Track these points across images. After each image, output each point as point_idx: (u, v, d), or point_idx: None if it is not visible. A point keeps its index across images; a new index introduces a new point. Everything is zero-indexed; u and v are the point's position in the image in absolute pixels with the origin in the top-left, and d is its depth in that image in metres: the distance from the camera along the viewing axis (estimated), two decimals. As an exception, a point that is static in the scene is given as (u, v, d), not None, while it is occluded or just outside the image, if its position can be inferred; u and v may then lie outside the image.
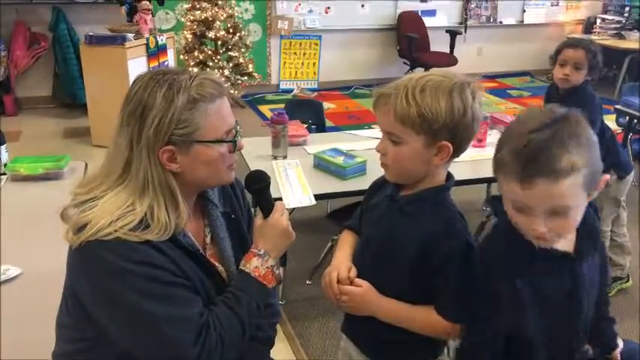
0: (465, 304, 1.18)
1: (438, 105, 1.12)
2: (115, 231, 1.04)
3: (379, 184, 1.38)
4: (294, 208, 2.27)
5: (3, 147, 2.24)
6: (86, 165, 2.39)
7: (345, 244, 1.40)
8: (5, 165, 2.22)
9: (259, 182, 1.27)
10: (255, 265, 1.21)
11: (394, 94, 1.15)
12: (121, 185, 1.10)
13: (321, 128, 3.52)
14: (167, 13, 5.89)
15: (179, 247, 1.12)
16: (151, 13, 4.68)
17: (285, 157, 2.64)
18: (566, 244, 1.11)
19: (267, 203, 1.27)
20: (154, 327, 1.06)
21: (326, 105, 3.86)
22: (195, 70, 0.92)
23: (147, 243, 1.06)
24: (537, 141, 0.97)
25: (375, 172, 1.38)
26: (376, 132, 3.18)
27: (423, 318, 1.23)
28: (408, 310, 1.24)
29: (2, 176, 2.22)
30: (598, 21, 7.30)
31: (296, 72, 6.63)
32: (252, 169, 1.33)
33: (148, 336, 1.07)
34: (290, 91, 6.55)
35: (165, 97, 1.07)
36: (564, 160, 0.96)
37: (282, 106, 3.52)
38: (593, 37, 7.16)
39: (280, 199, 2.20)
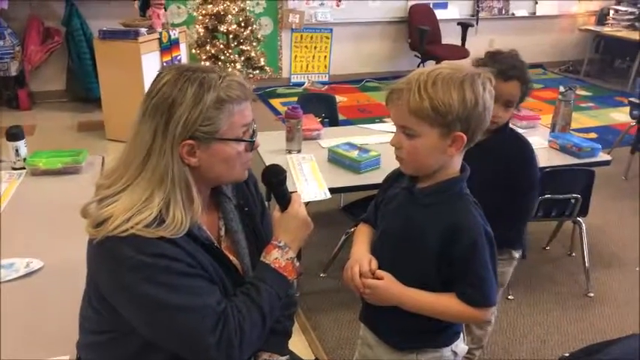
0: (487, 290, 1.23)
1: (450, 97, 1.14)
2: (132, 227, 1.07)
3: (394, 177, 1.40)
4: (308, 202, 2.29)
5: (22, 142, 2.27)
6: (103, 159, 2.41)
7: (362, 237, 1.42)
8: (25, 159, 2.26)
9: (277, 175, 1.29)
10: (275, 256, 1.22)
11: (406, 88, 1.18)
12: (140, 176, 1.12)
13: (334, 122, 3.53)
14: (179, 7, 5.90)
15: (194, 241, 1.14)
16: (164, 8, 4.70)
17: (299, 151, 2.65)
18: None
19: (284, 196, 1.29)
20: (171, 317, 1.08)
21: (337, 98, 3.86)
22: (211, 65, 0.94)
23: (161, 238, 1.08)
24: None
25: (389, 165, 1.40)
26: (388, 126, 3.20)
27: (447, 305, 1.26)
28: (432, 298, 1.27)
29: (22, 170, 2.25)
30: (611, 12, 7.22)
31: (307, 65, 6.63)
32: (267, 164, 1.35)
33: (166, 326, 1.09)
34: (301, 84, 6.55)
35: (196, 94, 1.10)
36: None
37: (294, 99, 3.52)
38: (606, 28, 7.11)
39: (294, 192, 2.19)
